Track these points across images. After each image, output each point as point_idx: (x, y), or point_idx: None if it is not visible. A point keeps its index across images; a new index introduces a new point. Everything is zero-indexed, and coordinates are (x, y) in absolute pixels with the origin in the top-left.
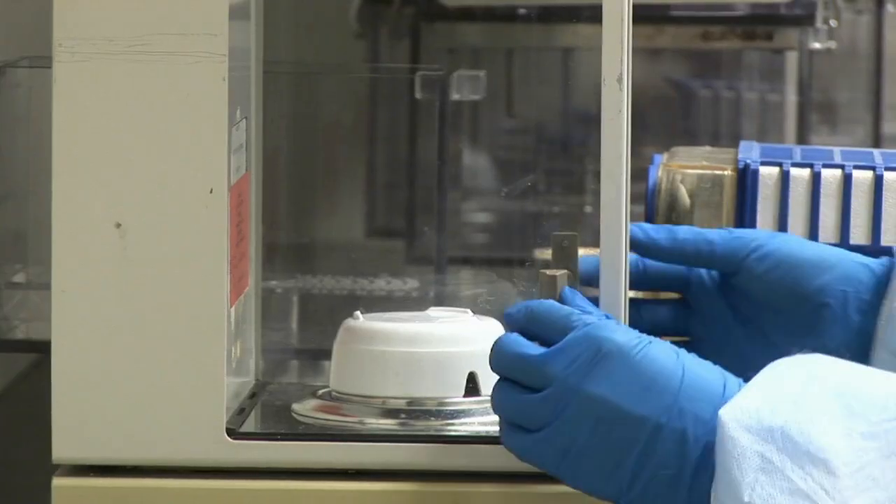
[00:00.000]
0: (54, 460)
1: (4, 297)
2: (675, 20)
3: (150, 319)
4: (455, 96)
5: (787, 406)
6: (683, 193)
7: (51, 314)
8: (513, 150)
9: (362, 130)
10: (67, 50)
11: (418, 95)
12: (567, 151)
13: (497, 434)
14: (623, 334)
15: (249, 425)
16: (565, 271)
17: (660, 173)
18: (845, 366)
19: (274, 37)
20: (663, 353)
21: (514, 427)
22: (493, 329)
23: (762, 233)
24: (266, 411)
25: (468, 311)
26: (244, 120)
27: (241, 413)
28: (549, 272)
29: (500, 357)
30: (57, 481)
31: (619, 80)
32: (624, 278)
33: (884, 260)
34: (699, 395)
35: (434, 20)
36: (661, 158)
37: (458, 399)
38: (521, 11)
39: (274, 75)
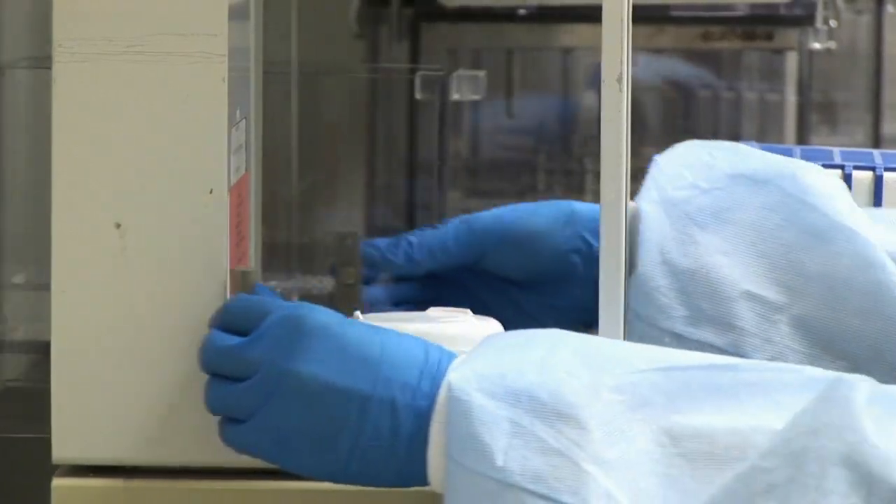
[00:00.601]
0: (54, 460)
1: (4, 297)
2: (675, 20)
3: (149, 320)
4: (455, 96)
5: (532, 368)
6: None
7: (50, 315)
8: (513, 150)
9: (362, 130)
10: (67, 50)
11: (418, 95)
12: (567, 151)
13: None
14: (321, 312)
15: None
16: (253, 268)
17: None
18: (583, 335)
19: (274, 37)
20: (363, 327)
21: (229, 421)
22: (493, 329)
23: (480, 217)
24: None
25: (468, 311)
26: (244, 120)
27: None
28: (239, 268)
29: (202, 356)
30: (57, 481)
31: (619, 80)
32: (624, 278)
33: None
34: (404, 363)
35: (434, 20)
36: None
37: None
38: (521, 12)
39: (274, 75)
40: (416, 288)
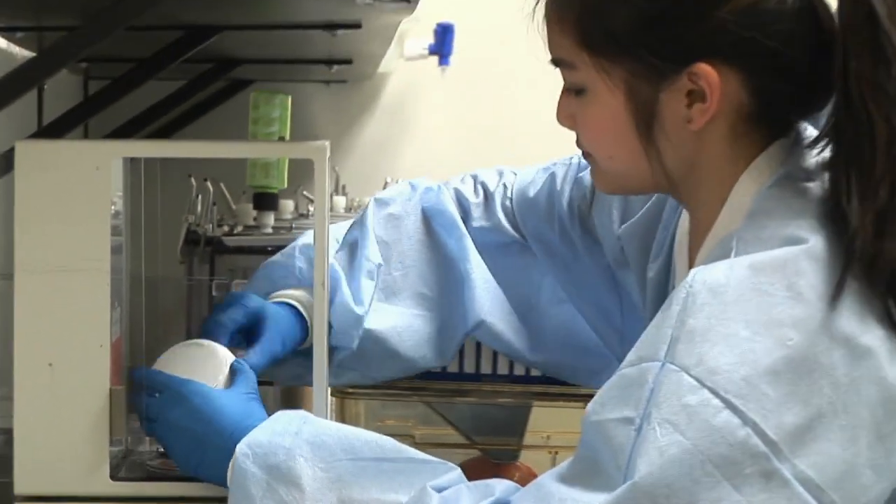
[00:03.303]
0: (16, 493)
1: None
2: None
3: (69, 416)
4: None
5: (283, 452)
6: None
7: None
8: None
9: (182, 316)
10: (26, 269)
11: (214, 293)
12: None
13: None
14: (191, 386)
15: (122, 472)
16: (123, 387)
17: None
18: (322, 424)
19: (135, 260)
20: (213, 396)
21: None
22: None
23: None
24: (131, 465)
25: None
26: (119, 307)
27: (117, 466)
28: (115, 387)
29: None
30: None
31: (322, 286)
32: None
33: None
34: (229, 418)
35: (222, 253)
36: None
37: None
38: (269, 248)
39: (134, 283)
40: None
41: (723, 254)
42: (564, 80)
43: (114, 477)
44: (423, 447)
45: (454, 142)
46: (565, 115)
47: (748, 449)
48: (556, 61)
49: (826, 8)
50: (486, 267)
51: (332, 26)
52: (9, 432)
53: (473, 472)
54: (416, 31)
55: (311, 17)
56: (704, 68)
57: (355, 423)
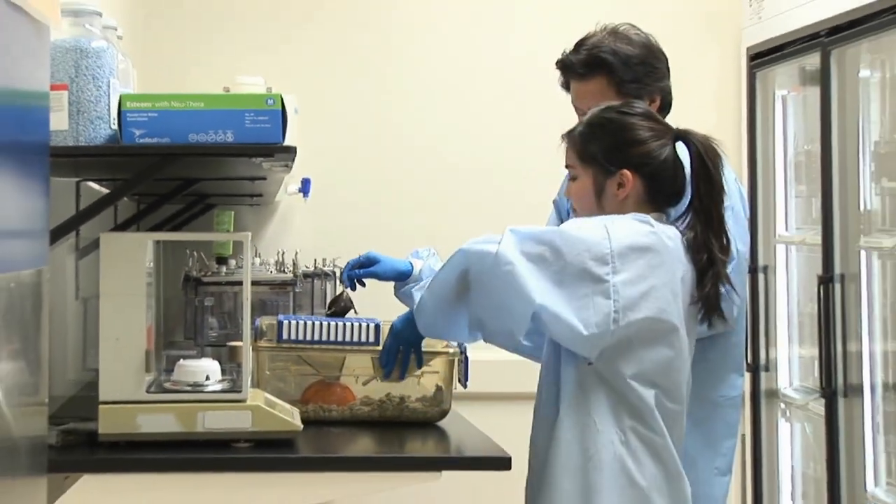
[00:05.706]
0: (100, 399)
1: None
2: None
3: (126, 362)
4: None
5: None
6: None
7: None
8: None
9: (182, 316)
10: (106, 294)
11: (196, 305)
12: None
13: None
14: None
15: (152, 389)
16: (153, 350)
17: None
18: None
19: (158, 289)
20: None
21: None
22: None
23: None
24: (157, 385)
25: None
26: (150, 310)
27: (150, 386)
28: (148, 350)
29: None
30: (102, 407)
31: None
32: None
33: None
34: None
35: (202, 285)
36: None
37: None
38: (223, 283)
39: (158, 300)
40: None
41: None
42: (569, 173)
43: (147, 391)
44: (296, 376)
45: (313, 236)
46: (569, 191)
47: (601, 257)
48: (567, 166)
49: (682, 163)
50: None
51: (252, 178)
52: (97, 371)
53: (318, 387)
54: (292, 180)
55: (243, 174)
56: (626, 173)
57: (263, 364)
